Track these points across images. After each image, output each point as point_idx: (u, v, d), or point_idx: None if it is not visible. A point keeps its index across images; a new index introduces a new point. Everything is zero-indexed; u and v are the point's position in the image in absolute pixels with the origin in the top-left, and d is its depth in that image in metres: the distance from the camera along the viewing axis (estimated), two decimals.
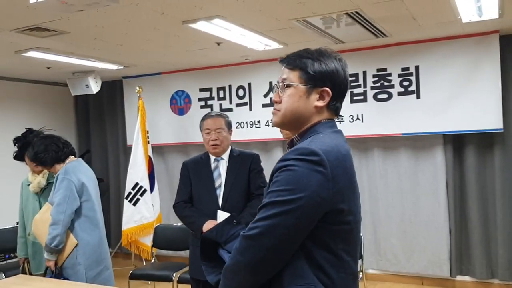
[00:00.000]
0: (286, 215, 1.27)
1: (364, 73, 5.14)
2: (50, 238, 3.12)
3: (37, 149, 3.31)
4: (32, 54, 4.59)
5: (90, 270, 3.23)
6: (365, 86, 5.15)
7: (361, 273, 4.09)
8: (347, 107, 5.18)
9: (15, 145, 3.70)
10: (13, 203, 3.96)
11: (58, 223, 3.13)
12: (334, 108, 1.48)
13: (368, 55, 5.08)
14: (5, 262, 4.88)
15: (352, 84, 5.17)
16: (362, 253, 4.04)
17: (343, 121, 5.21)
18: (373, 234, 5.31)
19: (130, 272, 4.32)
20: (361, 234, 1.80)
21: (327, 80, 1.44)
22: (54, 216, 3.15)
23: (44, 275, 3.43)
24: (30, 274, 3.63)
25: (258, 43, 4.52)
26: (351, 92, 5.17)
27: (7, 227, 4.67)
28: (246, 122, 5.74)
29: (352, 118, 5.20)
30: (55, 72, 5.69)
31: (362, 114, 5.15)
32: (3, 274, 4.42)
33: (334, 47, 4.94)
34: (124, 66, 5.54)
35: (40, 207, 3.57)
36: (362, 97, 5.16)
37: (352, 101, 5.18)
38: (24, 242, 3.78)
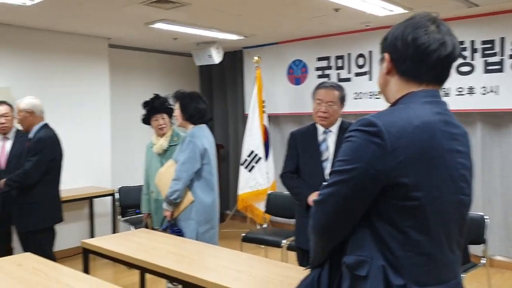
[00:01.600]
0: (341, 184, 1.29)
1: (502, 39, 4.59)
2: (170, 191, 3.43)
3: (186, 101, 3.56)
4: (159, 25, 4.89)
5: (200, 226, 3.49)
6: (502, 55, 4.60)
7: (483, 259, 3.77)
8: (475, 78, 4.71)
9: (144, 108, 4.02)
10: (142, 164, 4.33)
11: (180, 179, 3.42)
12: (404, 72, 1.36)
13: (508, 19, 4.51)
14: (135, 216, 5.41)
15: (486, 52, 4.66)
16: (485, 237, 3.70)
17: (474, 93, 4.74)
18: (504, 217, 4.82)
19: (243, 235, 4.50)
20: (470, 216, 1.61)
21: (388, 46, 1.39)
22: (177, 172, 3.43)
23: (162, 224, 3.76)
24: (152, 228, 3.96)
25: (379, 8, 4.27)
26: (485, 62, 4.66)
27: (137, 185, 5.15)
28: (365, 93, 5.53)
29: (484, 90, 4.70)
30: (181, 43, 6.00)
31: (497, 86, 4.63)
32: (133, 227, 4.91)
33: (464, 12, 4.48)
34: (244, 36, 5.65)
35: None
36: (498, 67, 4.63)
37: (485, 71, 4.68)
38: (147, 199, 4.12)
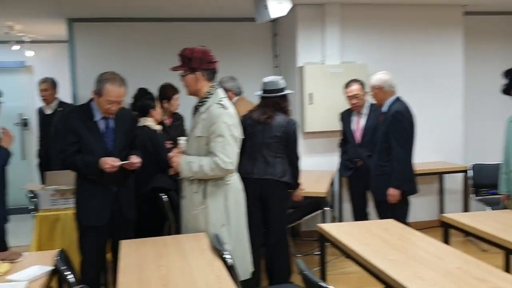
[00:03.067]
0: None
1: None
2: None
3: None
4: None
5: None
6: None
7: None
8: None
9: (505, 77, 3.60)
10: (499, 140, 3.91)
11: None
12: None
13: None
14: (490, 196, 4.95)
15: None
16: None
17: None
18: None
19: None
20: None
21: None
22: None
23: None
24: None
25: None
26: None
27: (493, 163, 4.69)
28: None
29: None
30: None
31: None
32: (489, 208, 4.53)
33: None
34: None
35: None
36: None
37: None
38: (507, 178, 3.66)
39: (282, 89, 3.71)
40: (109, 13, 5.26)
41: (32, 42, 6.42)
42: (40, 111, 5.20)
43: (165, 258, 2.45)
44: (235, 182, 2.91)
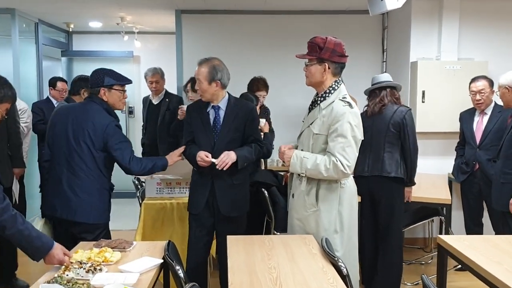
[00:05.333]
0: None
1: None
2: None
3: None
4: None
5: None
6: None
7: None
8: None
9: None
10: None
11: None
12: None
13: None
14: None
15: None
16: None
17: None
18: None
19: None
20: None
21: None
22: None
23: None
24: None
25: None
26: None
27: None
28: None
29: None
30: None
31: None
32: None
33: None
34: None
35: None
36: None
37: None
38: None
39: (391, 82, 3.66)
40: (217, 5, 5.26)
41: (139, 33, 6.67)
42: (147, 101, 5.34)
43: (274, 260, 2.33)
44: (350, 185, 2.70)
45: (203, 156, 2.90)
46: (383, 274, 3.60)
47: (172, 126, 4.87)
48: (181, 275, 2.15)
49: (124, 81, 2.99)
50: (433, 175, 4.62)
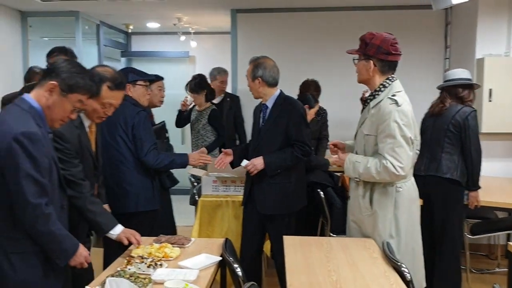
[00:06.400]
0: None
1: None
2: None
3: None
4: None
5: None
6: None
7: None
8: None
9: None
10: None
11: None
12: None
13: None
14: None
15: None
16: None
17: None
18: None
19: None
20: None
21: None
22: None
23: None
24: None
25: None
26: None
27: None
28: None
29: None
30: None
31: None
32: None
33: None
34: None
35: None
36: None
37: None
38: None
39: (462, 79, 3.45)
40: (272, 3, 5.23)
41: (195, 33, 6.74)
42: None
43: (333, 263, 2.26)
44: (408, 189, 2.54)
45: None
46: (438, 283, 3.42)
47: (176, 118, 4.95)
48: (240, 273, 2.13)
49: (146, 77, 3.10)
50: (500, 178, 4.36)
